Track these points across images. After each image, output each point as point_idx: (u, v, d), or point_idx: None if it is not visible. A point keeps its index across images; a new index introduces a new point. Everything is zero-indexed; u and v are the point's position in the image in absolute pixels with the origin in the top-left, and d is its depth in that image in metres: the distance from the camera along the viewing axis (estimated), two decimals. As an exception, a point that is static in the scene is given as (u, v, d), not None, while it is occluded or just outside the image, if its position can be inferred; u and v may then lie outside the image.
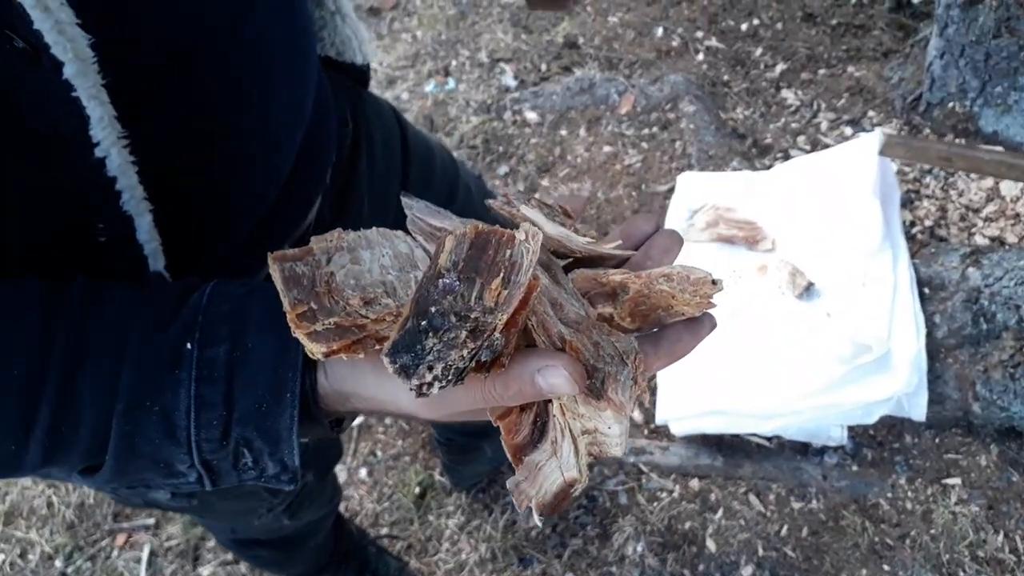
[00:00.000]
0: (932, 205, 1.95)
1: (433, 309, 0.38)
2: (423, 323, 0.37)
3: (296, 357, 0.44)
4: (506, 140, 2.42)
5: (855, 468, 1.65)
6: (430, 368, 0.36)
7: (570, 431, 0.42)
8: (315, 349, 0.40)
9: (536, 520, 0.42)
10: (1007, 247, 1.81)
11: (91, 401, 0.43)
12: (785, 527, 1.62)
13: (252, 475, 0.47)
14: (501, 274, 0.38)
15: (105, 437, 0.43)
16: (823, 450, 1.68)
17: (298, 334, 0.40)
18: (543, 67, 2.61)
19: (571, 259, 0.51)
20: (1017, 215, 1.88)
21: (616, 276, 0.46)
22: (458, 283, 0.38)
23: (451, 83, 2.63)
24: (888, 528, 1.58)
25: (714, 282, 0.45)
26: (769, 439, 1.70)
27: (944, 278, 1.66)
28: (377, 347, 0.41)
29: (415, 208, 0.49)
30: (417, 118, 2.55)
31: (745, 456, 1.70)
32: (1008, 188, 1.92)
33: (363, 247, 0.46)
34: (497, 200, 0.50)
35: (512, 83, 2.58)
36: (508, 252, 0.39)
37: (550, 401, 0.43)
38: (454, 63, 2.72)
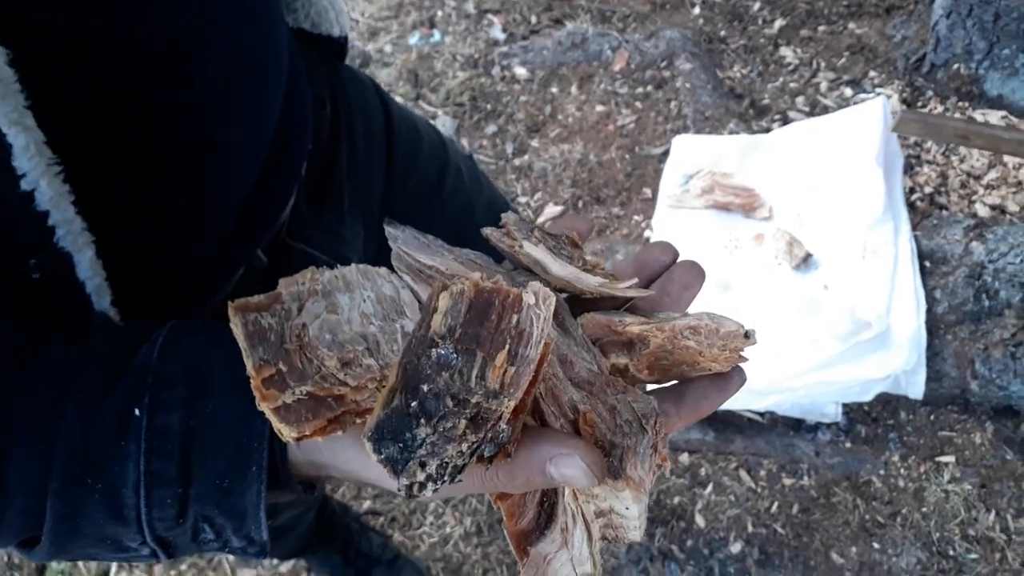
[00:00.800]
0: (933, 171, 1.89)
1: (426, 388, 0.31)
2: (413, 404, 0.31)
3: (263, 424, 0.38)
4: (494, 97, 2.32)
5: (848, 445, 1.63)
6: (422, 465, 0.30)
7: (583, 515, 0.37)
8: (285, 431, 0.33)
9: None
10: (1009, 217, 1.76)
11: (20, 483, 0.36)
12: (776, 503, 1.60)
13: (215, 547, 0.41)
14: (507, 346, 0.32)
15: (39, 518, 0.37)
16: (816, 426, 1.65)
17: (264, 407, 0.34)
18: (533, 19, 2.50)
19: (570, 294, 0.44)
20: (1019, 183, 1.83)
21: (634, 327, 0.39)
22: (455, 356, 0.32)
23: (436, 35, 2.51)
24: (879, 505, 1.56)
25: (747, 335, 0.39)
26: (761, 414, 1.67)
27: (946, 251, 1.61)
28: (359, 421, 0.35)
29: (401, 240, 0.43)
30: (401, 72, 2.44)
31: (737, 431, 1.67)
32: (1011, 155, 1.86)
33: (340, 290, 0.40)
34: (496, 231, 0.43)
35: (500, 36, 2.47)
36: (515, 318, 0.32)
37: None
38: (440, 14, 2.59)
